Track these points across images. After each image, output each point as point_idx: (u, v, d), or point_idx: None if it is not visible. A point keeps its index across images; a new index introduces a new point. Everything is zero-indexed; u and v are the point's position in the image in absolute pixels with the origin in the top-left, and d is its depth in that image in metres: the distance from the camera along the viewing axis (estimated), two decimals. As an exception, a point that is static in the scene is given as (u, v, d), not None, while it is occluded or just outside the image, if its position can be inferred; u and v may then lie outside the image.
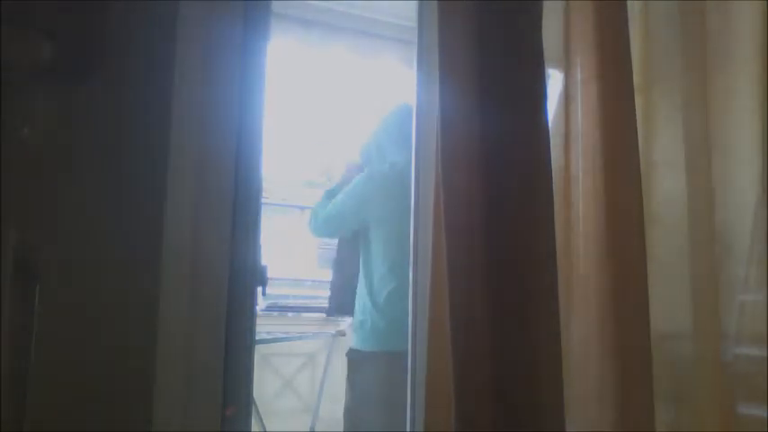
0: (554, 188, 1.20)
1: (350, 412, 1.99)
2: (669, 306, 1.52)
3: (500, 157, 1.17)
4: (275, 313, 3.38)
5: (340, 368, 2.53)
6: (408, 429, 1.29)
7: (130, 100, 1.00)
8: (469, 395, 1.09)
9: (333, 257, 2.28)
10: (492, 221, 1.15)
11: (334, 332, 3.30)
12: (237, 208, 1.13)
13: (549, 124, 1.21)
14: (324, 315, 3.14)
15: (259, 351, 2.34)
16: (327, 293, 2.30)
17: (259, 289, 1.20)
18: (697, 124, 1.62)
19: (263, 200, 1.23)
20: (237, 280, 1.12)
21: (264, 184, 1.24)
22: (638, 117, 1.34)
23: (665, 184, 1.61)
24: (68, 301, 0.94)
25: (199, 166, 1.08)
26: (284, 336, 3.25)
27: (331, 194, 2.16)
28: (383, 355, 1.91)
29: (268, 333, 3.12)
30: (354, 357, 2.01)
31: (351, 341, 2.06)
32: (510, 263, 1.15)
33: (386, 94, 2.47)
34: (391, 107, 2.16)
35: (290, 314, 3.53)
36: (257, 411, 2.59)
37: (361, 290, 2.01)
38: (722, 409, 1.55)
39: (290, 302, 3.54)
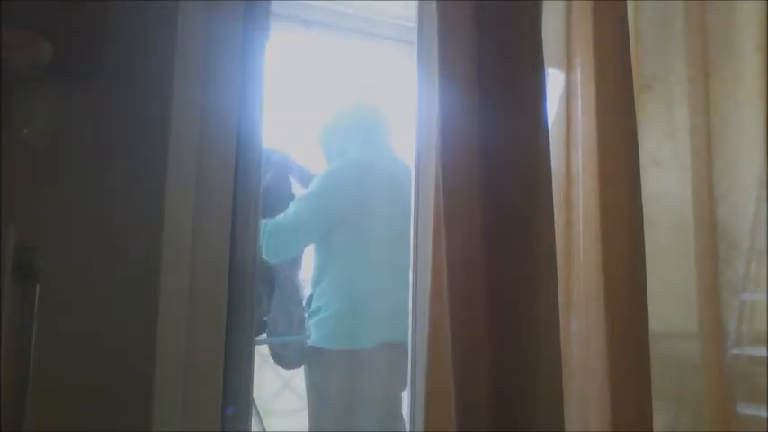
0: (554, 188, 1.20)
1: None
2: (668, 306, 1.53)
3: (500, 157, 1.17)
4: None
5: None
6: (408, 429, 1.29)
7: (130, 100, 1.00)
8: (469, 395, 1.09)
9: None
10: (492, 221, 1.15)
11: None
12: (237, 208, 1.13)
13: (549, 124, 1.21)
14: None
15: (259, 351, 2.34)
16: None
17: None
18: (697, 119, 1.62)
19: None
20: (237, 280, 1.12)
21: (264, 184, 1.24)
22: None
23: (658, 184, 1.61)
24: (68, 301, 0.94)
25: (199, 166, 1.08)
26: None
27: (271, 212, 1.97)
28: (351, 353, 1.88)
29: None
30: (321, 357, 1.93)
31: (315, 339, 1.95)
32: (510, 263, 1.15)
33: (385, 94, 2.47)
34: (351, 102, 2.12)
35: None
36: (257, 411, 2.59)
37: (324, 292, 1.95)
38: (722, 409, 1.55)
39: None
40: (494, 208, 1.16)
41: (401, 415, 1.93)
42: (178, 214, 1.03)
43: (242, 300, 1.13)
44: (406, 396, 1.93)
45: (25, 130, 0.93)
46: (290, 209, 1.96)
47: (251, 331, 1.17)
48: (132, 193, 0.99)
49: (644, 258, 1.27)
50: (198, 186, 1.08)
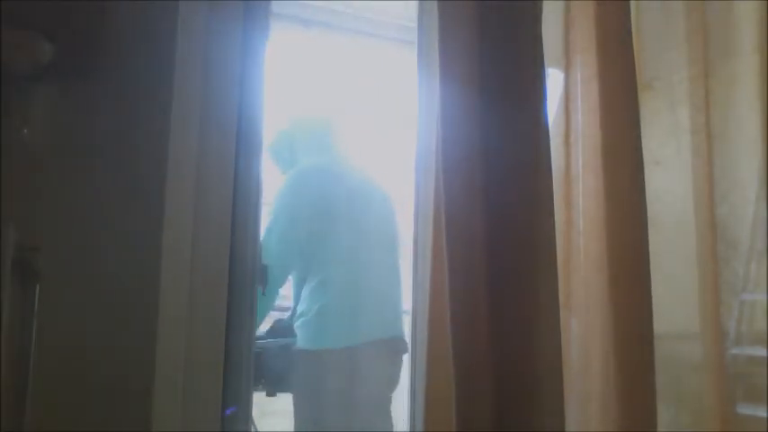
0: (554, 188, 1.20)
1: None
2: (668, 306, 1.53)
3: (500, 156, 1.17)
4: (275, 312, 3.36)
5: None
6: (408, 429, 1.29)
7: (130, 100, 1.00)
8: (470, 395, 1.09)
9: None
10: (492, 221, 1.15)
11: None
12: (237, 208, 1.13)
13: (549, 124, 1.21)
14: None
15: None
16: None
17: (259, 289, 1.20)
18: (698, 119, 1.62)
19: (262, 200, 1.23)
20: (237, 280, 1.12)
21: (264, 185, 1.24)
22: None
23: (660, 184, 1.61)
24: (68, 301, 0.94)
25: (199, 166, 1.08)
26: (283, 336, 3.23)
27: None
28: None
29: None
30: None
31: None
32: (510, 262, 1.15)
33: (385, 94, 2.47)
34: (302, 112, 2.11)
35: (289, 314, 3.52)
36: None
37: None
38: (722, 409, 1.55)
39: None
40: (494, 207, 1.15)
41: (389, 413, 1.93)
42: (178, 214, 1.03)
43: (242, 300, 1.13)
44: (394, 394, 1.94)
45: (25, 130, 0.93)
46: (270, 222, 1.89)
47: (251, 331, 1.17)
48: (132, 193, 0.98)
49: (648, 258, 1.27)
50: (198, 186, 1.08)
